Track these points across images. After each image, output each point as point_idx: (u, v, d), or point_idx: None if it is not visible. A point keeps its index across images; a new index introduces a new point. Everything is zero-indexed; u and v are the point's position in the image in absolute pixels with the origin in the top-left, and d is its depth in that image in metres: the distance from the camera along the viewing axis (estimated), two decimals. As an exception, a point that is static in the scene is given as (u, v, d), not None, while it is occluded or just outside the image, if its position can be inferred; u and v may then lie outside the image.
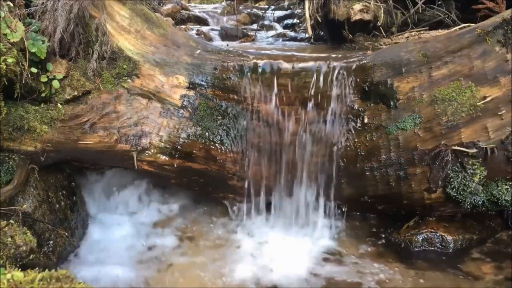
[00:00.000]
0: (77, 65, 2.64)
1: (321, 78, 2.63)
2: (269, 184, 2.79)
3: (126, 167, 2.76)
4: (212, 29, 6.23)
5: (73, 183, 2.84)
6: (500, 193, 2.48)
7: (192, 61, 2.82)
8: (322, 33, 4.57)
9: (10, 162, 2.43)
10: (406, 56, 2.62)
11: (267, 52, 3.14)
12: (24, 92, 2.46)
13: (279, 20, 6.86)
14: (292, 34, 5.44)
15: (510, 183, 2.49)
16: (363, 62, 2.67)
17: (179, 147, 2.70)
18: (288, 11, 7.24)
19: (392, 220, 2.89)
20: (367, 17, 3.72)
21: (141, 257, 2.66)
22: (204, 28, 6.28)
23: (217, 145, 2.71)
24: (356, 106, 2.66)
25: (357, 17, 3.69)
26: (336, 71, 2.64)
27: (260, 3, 8.52)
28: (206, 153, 2.71)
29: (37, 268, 1.44)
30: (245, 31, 5.88)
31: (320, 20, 4.07)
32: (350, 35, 3.75)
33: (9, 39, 2.27)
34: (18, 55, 2.31)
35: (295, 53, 3.11)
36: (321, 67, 2.65)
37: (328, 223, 2.89)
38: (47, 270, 1.38)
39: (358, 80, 2.65)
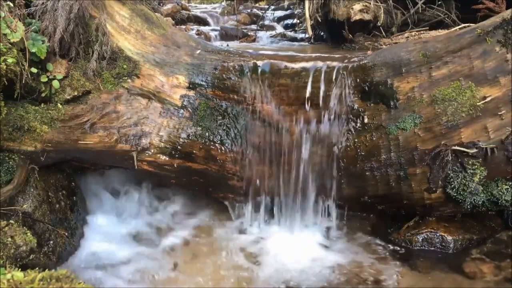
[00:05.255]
0: (77, 65, 2.64)
1: (321, 78, 2.63)
2: (269, 184, 2.79)
3: (126, 167, 2.76)
4: (212, 29, 6.24)
5: (73, 183, 2.84)
6: (500, 193, 2.48)
7: (192, 61, 2.82)
8: (322, 33, 4.58)
9: (10, 162, 2.43)
10: (406, 56, 2.62)
11: (267, 52, 3.14)
12: (24, 92, 2.46)
13: (279, 20, 6.86)
14: (292, 34, 5.45)
15: (510, 183, 2.49)
16: (363, 62, 2.67)
17: (179, 147, 2.70)
18: (288, 11, 7.24)
19: (392, 220, 2.89)
20: (367, 17, 3.72)
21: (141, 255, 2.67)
22: (204, 28, 6.28)
23: (217, 145, 2.71)
24: (356, 106, 2.66)
25: (357, 17, 3.69)
26: (336, 71, 2.63)
27: (260, 3, 8.52)
28: (206, 153, 2.71)
29: (37, 268, 1.44)
30: (245, 31, 5.88)
31: (320, 20, 4.07)
32: (350, 35, 3.75)
33: (9, 39, 2.27)
34: (18, 55, 2.31)
35: (295, 53, 3.10)
36: (321, 67, 2.65)
37: (328, 223, 2.89)
38: (47, 270, 1.38)
39: (358, 80, 2.65)
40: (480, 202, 2.52)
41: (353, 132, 2.65)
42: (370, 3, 3.74)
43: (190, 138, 2.71)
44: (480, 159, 2.45)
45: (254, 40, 5.23)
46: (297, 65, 2.67)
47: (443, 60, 2.54)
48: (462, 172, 2.47)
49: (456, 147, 2.46)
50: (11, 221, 2.23)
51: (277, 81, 2.68)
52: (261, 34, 5.60)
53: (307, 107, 2.68)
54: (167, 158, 2.71)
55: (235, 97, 2.74)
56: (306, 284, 2.42)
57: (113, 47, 2.68)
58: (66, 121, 2.57)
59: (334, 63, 2.66)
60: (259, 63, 2.71)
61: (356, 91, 2.66)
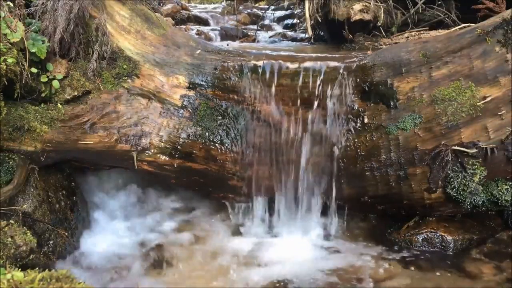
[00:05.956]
0: (77, 65, 2.64)
1: (321, 78, 2.63)
2: (269, 184, 2.79)
3: (126, 167, 2.76)
4: (212, 29, 6.23)
5: (73, 183, 2.84)
6: (500, 193, 2.48)
7: (192, 61, 2.82)
8: (322, 33, 4.57)
9: (10, 162, 2.43)
10: (406, 56, 2.62)
11: (267, 52, 3.14)
12: (24, 92, 2.46)
13: (279, 20, 6.86)
14: (292, 34, 5.45)
15: (510, 183, 2.49)
16: (363, 62, 2.67)
17: (179, 147, 2.70)
18: (288, 11, 7.24)
19: (392, 220, 2.89)
20: (367, 17, 3.72)
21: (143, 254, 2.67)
22: (204, 28, 6.28)
23: (217, 145, 2.71)
24: (356, 106, 2.66)
25: (357, 17, 3.69)
26: (336, 71, 2.64)
27: (260, 3, 8.52)
28: (206, 153, 2.71)
29: (37, 268, 1.44)
30: (245, 31, 5.88)
31: (320, 20, 4.07)
32: (350, 35, 3.75)
33: (9, 39, 2.27)
34: (18, 55, 2.31)
35: (295, 53, 3.11)
36: (321, 67, 2.64)
37: (328, 223, 2.88)
38: (47, 270, 1.38)
39: (358, 80, 2.65)
40: (480, 202, 2.52)
41: (353, 132, 2.65)
42: (370, 3, 3.74)
43: (190, 138, 2.71)
44: (480, 159, 2.45)
45: (254, 40, 5.23)
46: (297, 65, 2.67)
47: (443, 60, 2.54)
48: (462, 172, 2.47)
49: (456, 147, 2.46)
50: (11, 221, 2.23)
51: (277, 81, 2.68)
52: (261, 34, 5.59)
53: (307, 107, 2.68)
54: (167, 158, 2.70)
55: (235, 97, 2.74)
56: (305, 284, 2.42)
57: (113, 47, 2.68)
58: (66, 121, 2.57)
59: (334, 63, 2.66)
60: (259, 63, 2.71)
61: (356, 91, 2.66)
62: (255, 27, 5.98)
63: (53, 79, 2.54)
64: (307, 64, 2.67)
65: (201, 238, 2.88)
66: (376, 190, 2.67)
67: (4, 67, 2.21)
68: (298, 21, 6.06)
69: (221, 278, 2.47)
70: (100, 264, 2.57)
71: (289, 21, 6.58)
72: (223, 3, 8.52)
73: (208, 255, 2.69)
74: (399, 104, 2.58)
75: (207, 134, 2.71)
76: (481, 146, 2.43)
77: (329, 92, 2.64)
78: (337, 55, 2.88)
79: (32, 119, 2.48)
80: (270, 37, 5.37)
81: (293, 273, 2.50)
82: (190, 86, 2.77)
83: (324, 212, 2.84)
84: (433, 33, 3.54)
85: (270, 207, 2.90)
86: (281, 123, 2.72)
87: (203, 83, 2.77)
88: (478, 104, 2.43)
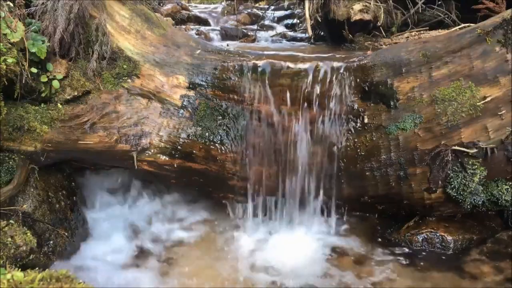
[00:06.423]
0: (77, 65, 2.64)
1: (321, 78, 2.63)
2: (269, 184, 2.79)
3: (126, 167, 2.76)
4: (212, 29, 6.22)
5: (73, 183, 2.84)
6: (500, 193, 2.48)
7: (192, 61, 2.82)
8: (322, 33, 4.57)
9: (10, 162, 2.43)
10: (406, 56, 2.62)
11: (267, 52, 3.14)
12: (24, 92, 2.46)
13: (279, 20, 6.84)
14: (292, 34, 5.44)
15: (510, 183, 2.49)
16: (363, 62, 2.67)
17: (179, 147, 2.70)
18: (288, 11, 7.22)
19: (392, 220, 2.89)
20: (367, 17, 3.71)
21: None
22: (204, 28, 6.27)
23: (217, 145, 2.71)
24: (356, 106, 2.66)
25: (357, 17, 3.69)
26: (336, 71, 2.63)
27: (260, 3, 8.51)
28: (206, 153, 2.71)
29: (37, 268, 1.44)
30: (245, 31, 5.87)
31: (320, 20, 4.06)
32: (350, 35, 3.75)
33: (9, 39, 2.27)
34: (18, 55, 2.31)
35: (295, 53, 3.11)
36: (321, 67, 2.64)
37: (328, 223, 2.89)
38: (47, 270, 1.39)
39: (358, 80, 2.65)
40: (480, 202, 2.52)
41: (353, 132, 2.65)
42: (370, 3, 3.73)
43: (190, 138, 2.71)
44: (480, 159, 2.45)
45: (254, 40, 5.22)
46: (297, 65, 2.67)
47: (443, 60, 2.54)
48: (462, 172, 2.47)
49: (456, 147, 2.46)
50: (11, 221, 2.23)
51: (277, 81, 2.68)
52: (261, 34, 5.59)
53: (307, 107, 2.67)
54: (167, 158, 2.70)
55: (235, 97, 2.74)
56: (305, 283, 2.42)
57: (113, 47, 2.68)
58: (66, 121, 2.57)
59: (334, 63, 2.66)
60: (259, 63, 2.71)
61: (356, 91, 2.66)
62: (255, 27, 5.97)
63: (53, 79, 2.54)
64: (307, 64, 2.67)
65: (202, 237, 2.88)
66: (376, 190, 2.67)
67: (4, 67, 2.21)
68: (298, 21, 6.06)
69: (223, 278, 2.47)
70: (101, 263, 2.58)
71: (289, 21, 6.56)
72: (223, 3, 8.51)
73: (209, 254, 2.69)
74: (399, 104, 2.58)
75: (207, 134, 2.71)
76: (481, 146, 2.43)
77: (329, 92, 2.64)
78: (337, 55, 2.87)
79: (32, 119, 2.48)
80: (270, 37, 5.37)
81: (294, 272, 2.51)
82: (190, 86, 2.77)
83: (324, 212, 2.84)
84: (433, 33, 3.54)
85: (271, 207, 2.91)
86: (281, 123, 2.72)
87: (203, 83, 2.77)
88: (478, 104, 2.43)
